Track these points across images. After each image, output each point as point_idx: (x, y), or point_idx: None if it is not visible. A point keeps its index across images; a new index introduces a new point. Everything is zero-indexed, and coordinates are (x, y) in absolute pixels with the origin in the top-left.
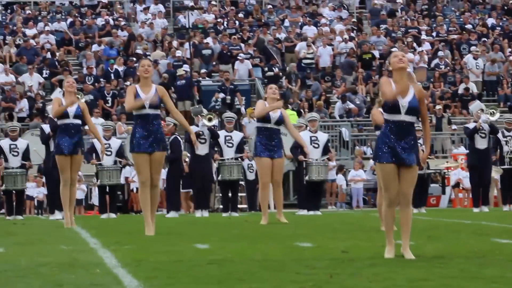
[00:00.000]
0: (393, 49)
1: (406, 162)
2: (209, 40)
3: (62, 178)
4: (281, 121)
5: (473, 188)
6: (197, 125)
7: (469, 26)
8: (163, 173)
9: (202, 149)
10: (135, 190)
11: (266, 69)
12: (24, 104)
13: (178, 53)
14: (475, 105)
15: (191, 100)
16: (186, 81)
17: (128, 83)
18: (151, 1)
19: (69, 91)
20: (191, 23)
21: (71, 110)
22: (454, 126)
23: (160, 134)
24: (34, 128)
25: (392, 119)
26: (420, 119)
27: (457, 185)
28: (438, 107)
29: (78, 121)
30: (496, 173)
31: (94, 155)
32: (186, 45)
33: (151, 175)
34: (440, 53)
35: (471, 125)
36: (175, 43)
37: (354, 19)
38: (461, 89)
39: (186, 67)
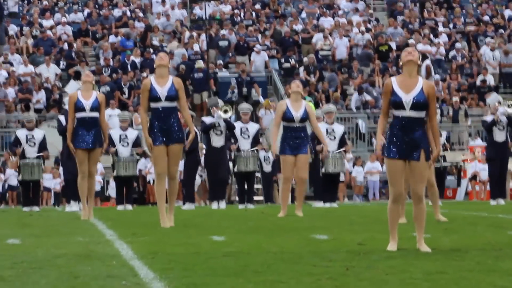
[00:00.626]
0: (409, 41)
1: (411, 157)
2: (225, 31)
3: (80, 170)
4: (305, 118)
5: (491, 180)
6: (213, 117)
7: (486, 18)
8: (180, 164)
9: (218, 141)
10: (151, 182)
11: (283, 60)
12: (41, 95)
13: (196, 47)
14: (493, 98)
15: (208, 91)
16: (204, 74)
17: (145, 74)
18: None
19: (86, 81)
20: (208, 14)
21: (88, 103)
22: (469, 122)
23: (177, 126)
24: (50, 119)
25: (398, 115)
26: (427, 114)
27: (474, 177)
28: (454, 99)
29: (96, 114)
30: None
31: (110, 145)
32: (203, 36)
33: (169, 168)
34: (457, 45)
35: (489, 118)
36: (194, 34)
37: (371, 11)
38: (478, 81)
39: (201, 62)
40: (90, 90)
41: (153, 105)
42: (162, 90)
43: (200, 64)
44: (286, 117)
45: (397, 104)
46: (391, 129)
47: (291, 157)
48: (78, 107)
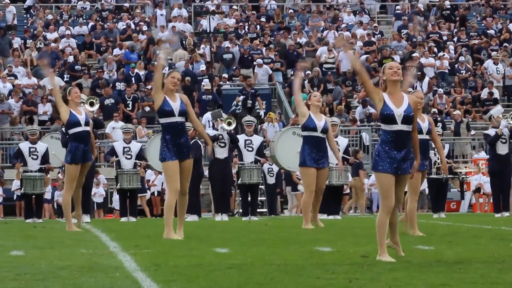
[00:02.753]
0: (414, 55)
1: (403, 172)
2: (230, 44)
3: (70, 187)
4: (326, 130)
5: (494, 193)
6: (217, 129)
7: (490, 32)
8: None
9: (221, 153)
10: (156, 193)
11: (292, 72)
12: (48, 107)
13: (203, 67)
14: (497, 110)
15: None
16: (213, 97)
17: (149, 87)
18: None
19: (76, 102)
20: (212, 27)
21: (82, 118)
22: (472, 132)
23: (188, 142)
24: (54, 131)
25: (389, 129)
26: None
27: (477, 190)
28: (457, 112)
29: (88, 128)
30: None
31: (114, 156)
32: (207, 49)
33: (182, 183)
34: (461, 58)
35: (491, 132)
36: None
37: (376, 24)
38: (484, 94)
39: (206, 81)
40: (79, 105)
41: (165, 121)
42: (175, 105)
43: (208, 85)
44: (308, 125)
45: (389, 117)
46: (382, 144)
47: (313, 169)
48: (74, 121)
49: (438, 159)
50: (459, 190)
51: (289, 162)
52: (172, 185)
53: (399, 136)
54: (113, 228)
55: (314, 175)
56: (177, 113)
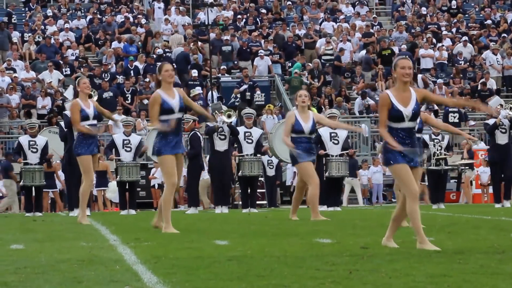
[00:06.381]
0: (404, 46)
1: (415, 164)
2: (228, 36)
3: (88, 178)
4: (314, 130)
5: (494, 183)
6: (216, 121)
7: (489, 22)
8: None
9: (221, 145)
10: (156, 186)
11: (290, 64)
12: (47, 101)
13: (194, 73)
14: (494, 101)
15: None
16: (203, 102)
17: (147, 79)
18: None
19: (85, 93)
20: (210, 20)
21: (90, 112)
22: (471, 122)
23: (181, 136)
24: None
25: (397, 127)
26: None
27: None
28: None
29: (95, 122)
30: None
31: (113, 151)
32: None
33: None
34: (460, 49)
35: (491, 121)
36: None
37: (374, 15)
38: (480, 84)
39: (198, 89)
40: (87, 98)
41: (166, 117)
42: (174, 102)
43: (195, 92)
44: (296, 129)
45: (398, 117)
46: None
47: (309, 163)
48: (83, 116)
49: (437, 150)
50: (456, 181)
51: (287, 154)
52: (170, 179)
53: (406, 132)
54: (113, 221)
55: (311, 167)
56: (177, 110)
